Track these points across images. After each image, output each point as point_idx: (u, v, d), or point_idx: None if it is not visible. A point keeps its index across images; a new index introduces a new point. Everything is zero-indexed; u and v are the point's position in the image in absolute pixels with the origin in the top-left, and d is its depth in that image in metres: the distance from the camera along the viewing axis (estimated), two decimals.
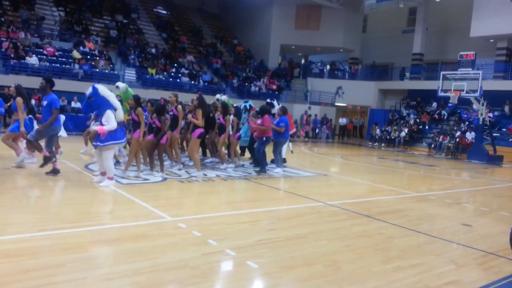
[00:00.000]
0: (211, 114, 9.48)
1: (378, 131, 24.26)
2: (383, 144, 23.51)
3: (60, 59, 19.68)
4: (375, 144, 23.67)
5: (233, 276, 3.70)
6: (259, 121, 9.25)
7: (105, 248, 4.12)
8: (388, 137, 23.67)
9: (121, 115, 6.79)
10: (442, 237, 5.33)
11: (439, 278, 3.91)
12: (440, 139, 20.66)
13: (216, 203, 6.33)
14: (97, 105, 6.61)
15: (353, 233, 5.17)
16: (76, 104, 17.79)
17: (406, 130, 23.16)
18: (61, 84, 18.21)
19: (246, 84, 25.94)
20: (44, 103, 7.02)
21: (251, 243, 4.48)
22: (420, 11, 27.16)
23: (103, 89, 6.64)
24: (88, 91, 6.57)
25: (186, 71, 23.96)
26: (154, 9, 30.65)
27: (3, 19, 20.03)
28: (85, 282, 3.28)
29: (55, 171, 7.19)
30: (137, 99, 7.61)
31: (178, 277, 3.50)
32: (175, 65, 24.33)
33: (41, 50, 19.41)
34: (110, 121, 6.57)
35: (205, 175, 8.50)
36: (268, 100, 11.49)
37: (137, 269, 3.60)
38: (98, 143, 6.67)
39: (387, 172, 12.43)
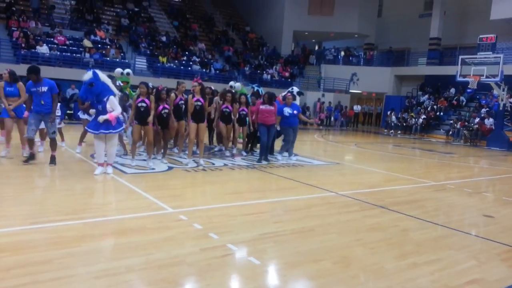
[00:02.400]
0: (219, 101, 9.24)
1: (394, 118, 23.63)
2: (399, 132, 22.91)
3: (70, 48, 19.55)
4: (391, 132, 23.08)
5: (233, 274, 3.41)
6: (271, 108, 8.76)
7: (98, 243, 3.86)
8: (404, 124, 23.04)
9: (117, 100, 6.76)
10: (462, 230, 4.95)
11: (459, 276, 3.56)
12: (458, 126, 20.00)
13: (221, 193, 6.04)
14: (99, 90, 6.34)
15: (366, 226, 4.83)
16: None
17: (423, 116, 22.48)
18: (71, 73, 18.14)
19: (258, 71, 25.50)
20: (44, 89, 6.76)
21: (255, 237, 4.18)
22: None
23: (102, 74, 6.46)
24: (87, 76, 6.30)
25: (197, 59, 23.64)
26: None
27: (14, 8, 19.95)
28: (70, 281, 3.04)
29: (31, 157, 7.02)
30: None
31: (172, 275, 3.23)
32: (186, 53, 24.02)
33: (52, 39, 19.29)
34: (115, 107, 6.43)
35: (213, 164, 8.24)
36: (296, 90, 10.85)
37: (129, 266, 3.34)
38: (110, 130, 6.47)
39: (403, 160, 11.98)
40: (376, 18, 30.51)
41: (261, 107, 8.72)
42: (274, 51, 29.30)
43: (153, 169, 7.30)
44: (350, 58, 29.50)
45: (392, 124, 23.47)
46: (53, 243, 3.70)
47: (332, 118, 25.42)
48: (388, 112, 24.38)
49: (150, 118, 7.19)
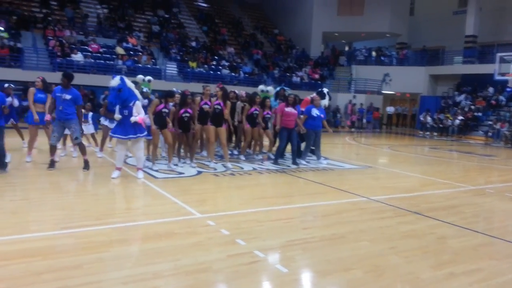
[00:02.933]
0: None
1: (429, 119, 22.90)
2: (435, 133, 22.18)
3: (104, 55, 20.08)
4: (426, 133, 22.38)
5: (260, 282, 3.32)
6: (296, 111, 8.73)
7: (127, 248, 3.88)
8: (440, 125, 22.29)
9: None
10: (504, 238, 4.66)
11: None
12: (498, 127, 19.14)
13: (249, 198, 5.97)
14: (126, 96, 6.48)
15: (400, 233, 4.63)
16: None
17: (460, 117, 21.67)
18: (105, 80, 18.54)
19: (288, 74, 25.37)
20: (68, 97, 6.94)
21: (283, 244, 4.08)
22: None
23: (128, 80, 6.61)
24: (115, 82, 6.43)
25: (226, 63, 23.77)
26: (195, 3, 30.69)
27: (50, 18, 20.71)
28: (99, 287, 3.04)
29: (51, 164, 7.10)
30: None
31: (198, 282, 3.18)
32: (216, 57, 24.21)
33: (86, 47, 19.89)
34: (140, 111, 6.58)
35: (242, 168, 8.20)
36: (326, 90, 10.68)
37: (156, 271, 3.32)
38: (138, 134, 6.63)
39: (439, 163, 11.53)
40: (408, 17, 29.76)
41: (286, 109, 8.63)
42: (303, 53, 29.10)
43: (182, 173, 7.33)
44: (382, 58, 28.87)
45: (428, 126, 22.76)
46: (83, 248, 3.74)
47: (364, 120, 24.91)
48: (423, 113, 23.66)
49: (170, 125, 7.43)
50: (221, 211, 5.19)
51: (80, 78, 17.36)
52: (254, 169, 8.22)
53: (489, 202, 6.51)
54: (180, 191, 6.11)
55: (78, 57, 18.57)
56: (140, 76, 9.29)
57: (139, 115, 6.55)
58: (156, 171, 7.35)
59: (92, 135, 9.29)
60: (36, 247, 3.70)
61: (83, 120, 8.44)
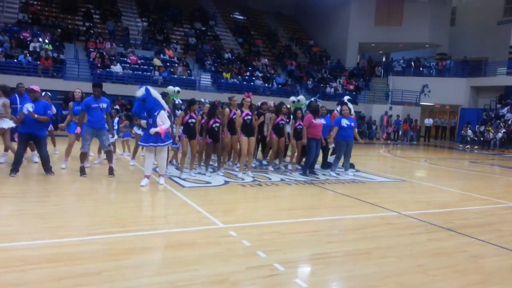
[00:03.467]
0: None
1: (470, 132, 21.99)
2: (475, 147, 21.26)
3: (142, 67, 20.70)
4: (466, 147, 21.48)
5: None
6: (323, 122, 8.71)
7: (147, 256, 3.89)
8: (481, 138, 21.33)
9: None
10: None
11: None
12: None
13: (274, 209, 5.89)
14: (150, 106, 6.63)
15: (429, 250, 4.40)
16: None
17: (503, 130, 20.67)
18: None
19: (321, 85, 25.15)
20: (105, 105, 7.19)
21: (304, 257, 3.97)
22: None
23: (154, 91, 6.73)
24: (140, 92, 6.60)
25: (260, 74, 23.89)
26: (231, 15, 31.17)
27: (92, 31, 21.62)
28: None
29: (83, 171, 7.28)
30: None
31: None
32: (250, 68, 24.39)
33: (125, 58, 20.57)
34: (165, 120, 6.68)
35: (269, 179, 8.13)
36: (347, 98, 10.51)
37: (173, 281, 3.30)
38: (159, 143, 6.73)
39: (479, 178, 10.99)
40: (449, 27, 28.90)
41: (314, 121, 8.59)
42: (338, 64, 28.82)
43: (209, 182, 7.36)
44: (421, 69, 28.09)
45: (468, 139, 21.85)
46: (104, 255, 3.78)
47: (400, 132, 24.24)
48: (464, 126, 22.76)
49: (204, 133, 7.65)
50: (245, 221, 5.14)
51: (118, 89, 18.00)
52: (282, 180, 8.13)
53: None
54: (206, 200, 6.12)
55: (117, 68, 19.23)
56: (171, 88, 9.48)
57: (163, 124, 6.66)
58: (183, 179, 7.43)
59: (126, 141, 9.72)
60: (61, 253, 3.78)
61: (113, 127, 8.72)
